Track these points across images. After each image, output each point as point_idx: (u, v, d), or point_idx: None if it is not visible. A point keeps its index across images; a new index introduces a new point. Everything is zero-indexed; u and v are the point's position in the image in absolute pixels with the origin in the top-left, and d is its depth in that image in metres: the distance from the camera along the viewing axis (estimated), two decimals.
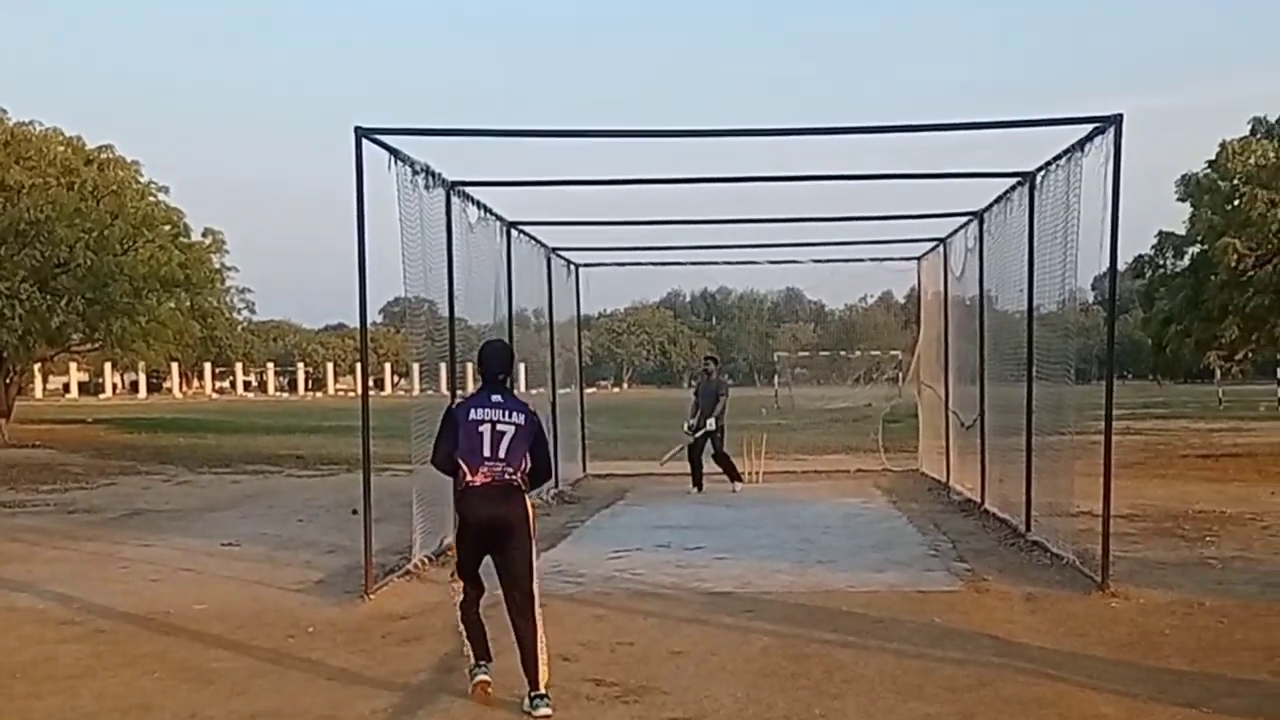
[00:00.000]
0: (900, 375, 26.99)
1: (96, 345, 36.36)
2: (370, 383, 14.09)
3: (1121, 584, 10.48)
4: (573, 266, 21.40)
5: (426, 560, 12.04)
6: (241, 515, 17.23)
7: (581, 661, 8.22)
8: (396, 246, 12.14)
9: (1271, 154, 22.82)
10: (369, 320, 12.02)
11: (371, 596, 10.52)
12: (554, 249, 19.58)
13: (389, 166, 11.40)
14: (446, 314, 13.83)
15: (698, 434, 20.03)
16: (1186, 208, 24.71)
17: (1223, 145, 23.70)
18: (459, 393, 14.50)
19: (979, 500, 16.06)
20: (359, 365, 11.75)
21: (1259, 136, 24.02)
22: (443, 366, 15.17)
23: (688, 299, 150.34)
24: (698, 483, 20.05)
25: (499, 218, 15.85)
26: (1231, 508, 16.02)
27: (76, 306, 29.93)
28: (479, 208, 14.73)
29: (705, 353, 26.80)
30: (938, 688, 7.42)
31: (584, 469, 22.35)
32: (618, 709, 7.05)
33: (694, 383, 22.48)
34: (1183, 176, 24.59)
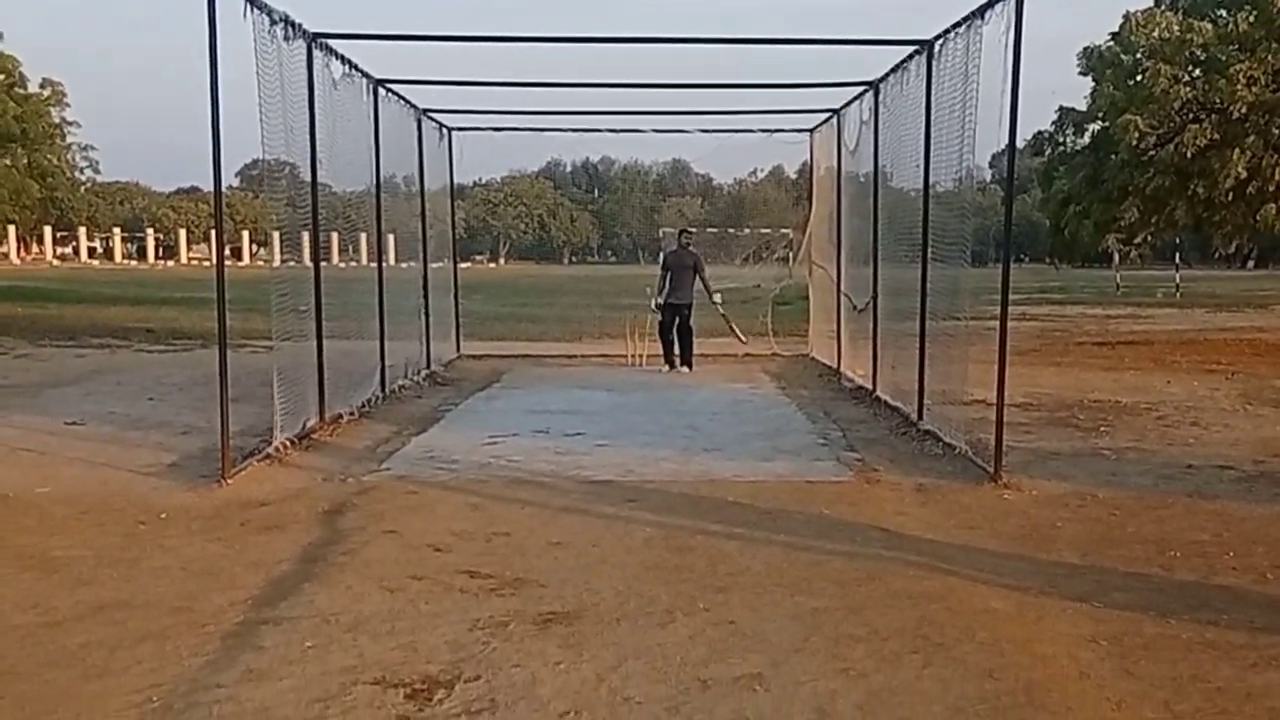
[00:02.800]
0: (791, 255, 27.04)
1: None
2: (227, 251, 13.83)
3: (1014, 475, 10.74)
4: (445, 130, 21.06)
5: (289, 443, 11.92)
6: (86, 392, 16.87)
7: (455, 552, 8.22)
8: (253, 105, 11.86)
9: (1176, 27, 23.02)
10: (224, 184, 11.74)
11: (229, 481, 10.39)
12: (425, 110, 19.22)
13: (244, 14, 11.02)
14: (305, 178, 13.57)
15: (687, 312, 20.50)
16: (1088, 82, 24.93)
17: (1126, 16, 23.80)
18: (324, 263, 14.33)
19: (871, 387, 16.29)
20: (214, 232, 11.42)
21: (1163, 8, 24.16)
22: (305, 235, 14.92)
23: (569, 170, 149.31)
24: (669, 361, 20.38)
25: (366, 75, 15.50)
26: (1127, 397, 16.45)
27: None
28: (344, 63, 14.37)
29: (674, 227, 27.02)
30: (826, 581, 7.55)
31: (458, 349, 22.21)
32: (493, 602, 7.07)
33: (661, 255, 22.54)
34: (1085, 49, 24.77)
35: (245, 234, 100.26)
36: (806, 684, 5.78)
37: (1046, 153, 26.91)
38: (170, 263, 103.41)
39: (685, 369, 20.01)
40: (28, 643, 6.35)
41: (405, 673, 5.90)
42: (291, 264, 14.01)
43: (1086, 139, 25.88)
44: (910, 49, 14.17)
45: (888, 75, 15.72)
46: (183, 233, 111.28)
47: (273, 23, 11.72)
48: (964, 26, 12.00)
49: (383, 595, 7.20)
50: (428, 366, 18.99)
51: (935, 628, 6.61)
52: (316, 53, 13.22)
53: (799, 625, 6.66)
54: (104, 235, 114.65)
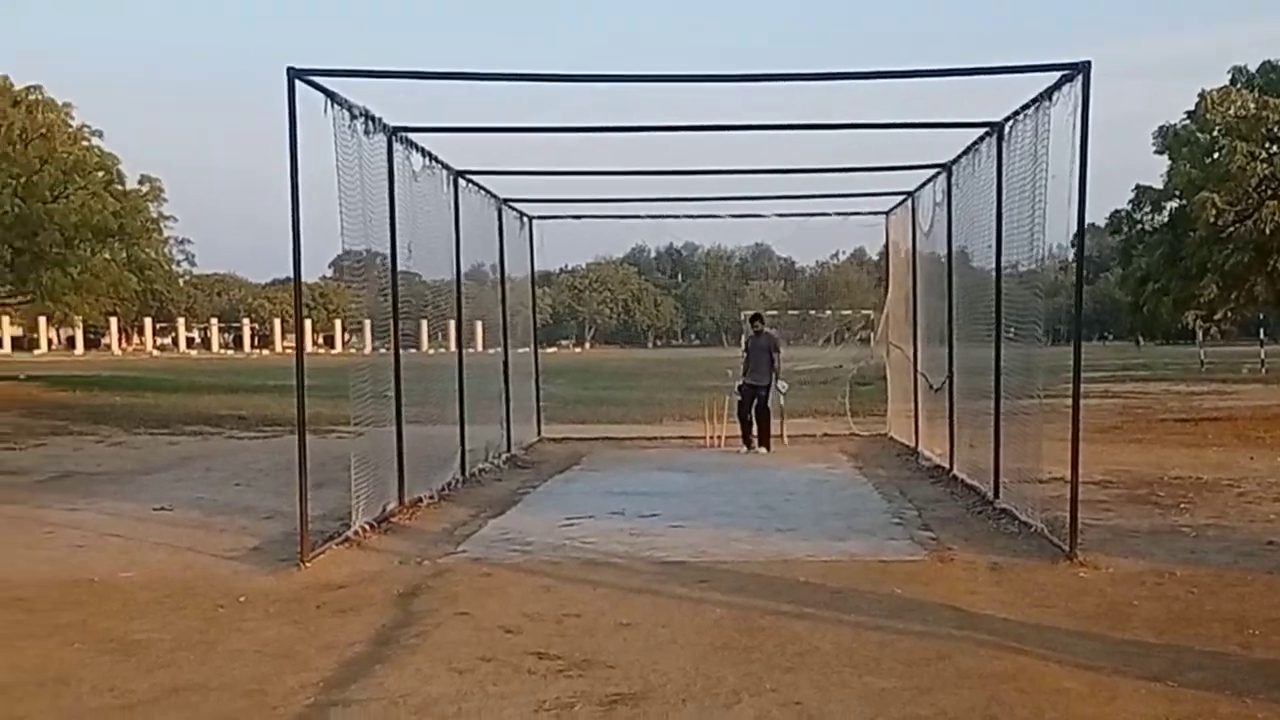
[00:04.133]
0: (871, 335, 26.94)
1: (27, 298, 35.91)
2: (320, 339, 14.09)
3: (1091, 553, 10.54)
4: (526, 219, 21.26)
5: (367, 527, 11.98)
6: (176, 478, 17.12)
7: (525, 634, 8.19)
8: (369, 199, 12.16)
9: (1252, 104, 22.85)
10: (317, 275, 12.11)
11: (307, 565, 10.46)
12: (505, 200, 19.43)
13: (325, 110, 11.24)
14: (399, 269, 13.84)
15: (770, 396, 20.47)
16: (1164, 160, 24.73)
17: (1202, 95, 23.65)
18: (413, 350, 14.52)
19: (948, 466, 16.11)
20: (304, 322, 11.59)
21: (1239, 86, 23.98)
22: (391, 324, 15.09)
23: (653, 255, 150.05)
24: (747, 441, 20.36)
25: (445, 166, 15.71)
26: (1208, 474, 16.13)
27: (3, 256, 29.54)
28: (424, 155, 14.59)
29: (756, 310, 27.28)
30: (895, 661, 7.43)
31: (539, 432, 22.29)
32: (560, 683, 7.02)
33: (742, 340, 22.55)
34: (1160, 128, 24.62)
35: (338, 322, 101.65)
36: None
37: (1124, 231, 26.64)
38: (265, 351, 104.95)
39: (763, 449, 19.91)
40: None
41: None
42: (382, 351, 14.21)
43: (1164, 216, 25.59)
44: (981, 131, 14.14)
45: (960, 157, 15.69)
46: (277, 322, 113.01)
47: (353, 117, 11.93)
48: (1033, 108, 11.96)
49: (451, 677, 7.18)
50: (508, 450, 19.05)
51: (1004, 708, 6.47)
52: (396, 146, 13.41)
53: (865, 706, 6.55)
54: (202, 326, 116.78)
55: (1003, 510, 12.69)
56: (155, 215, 37.05)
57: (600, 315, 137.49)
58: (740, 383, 20.58)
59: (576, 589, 9.61)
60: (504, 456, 18.60)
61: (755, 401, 20.21)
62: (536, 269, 22.49)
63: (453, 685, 7.02)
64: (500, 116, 14.81)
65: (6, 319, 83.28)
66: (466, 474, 16.27)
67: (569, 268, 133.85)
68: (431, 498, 14.24)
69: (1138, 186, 25.87)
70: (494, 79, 12.88)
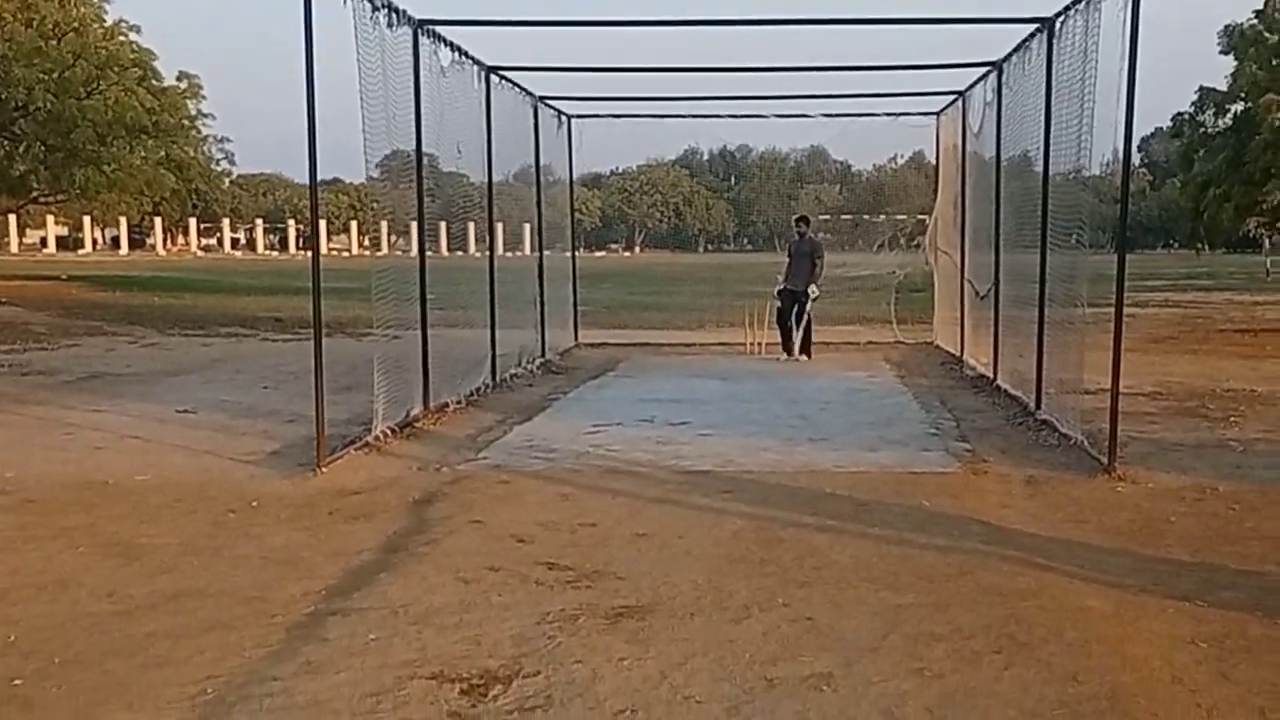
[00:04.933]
0: (920, 240, 26.57)
1: (63, 197, 35.98)
2: (365, 241, 14.11)
3: (1131, 467, 10.35)
4: (564, 118, 20.98)
5: (389, 432, 11.94)
6: (205, 380, 17.15)
7: (537, 543, 8.11)
8: (388, 98, 12.05)
9: None
10: (363, 175, 12.10)
11: (324, 470, 10.41)
12: (541, 97, 19.14)
13: (344, 1, 11.03)
14: (444, 169, 13.88)
15: (804, 300, 20.11)
16: (1230, 61, 24.10)
17: None
18: (453, 254, 14.47)
19: (991, 376, 15.89)
20: (319, 221, 11.49)
21: None
22: (442, 226, 15.13)
23: (705, 158, 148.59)
24: (787, 348, 20.10)
25: (476, 61, 15.46)
26: (1263, 387, 15.83)
27: (37, 153, 29.51)
28: (453, 50, 14.34)
29: (811, 214, 26.44)
30: (914, 576, 7.29)
31: (575, 337, 22.19)
32: (567, 595, 6.93)
33: (784, 245, 22.05)
34: (1226, 27, 23.97)
35: (384, 224, 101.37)
36: (877, 684, 5.55)
37: (1186, 134, 26.06)
38: (310, 252, 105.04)
39: (804, 357, 19.70)
40: (95, 631, 6.36)
41: (464, 667, 5.79)
42: (429, 254, 14.24)
43: (1228, 120, 24.98)
44: (1032, 27, 13.75)
45: (1010, 55, 15.31)
46: (323, 223, 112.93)
47: (375, 9, 11.70)
48: (1083, 2, 11.59)
49: (456, 586, 7.11)
50: (543, 355, 18.96)
51: (1023, 626, 6.33)
52: (423, 39, 13.19)
53: (879, 622, 6.42)
54: (247, 227, 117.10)
55: (1044, 422, 12.49)
56: (193, 113, 36.88)
57: (650, 219, 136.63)
58: (780, 288, 20.31)
59: (595, 498, 9.52)
60: (538, 362, 18.51)
61: (795, 308, 19.95)
62: (581, 170, 22.33)
63: (457, 595, 6.94)
64: (535, 10, 14.58)
65: (51, 218, 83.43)
66: (497, 379, 16.20)
67: (619, 170, 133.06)
68: (459, 403, 14.17)
69: (1201, 88, 25.27)
70: None
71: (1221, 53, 24.15)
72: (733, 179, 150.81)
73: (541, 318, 19.11)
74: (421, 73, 13.17)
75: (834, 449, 11.54)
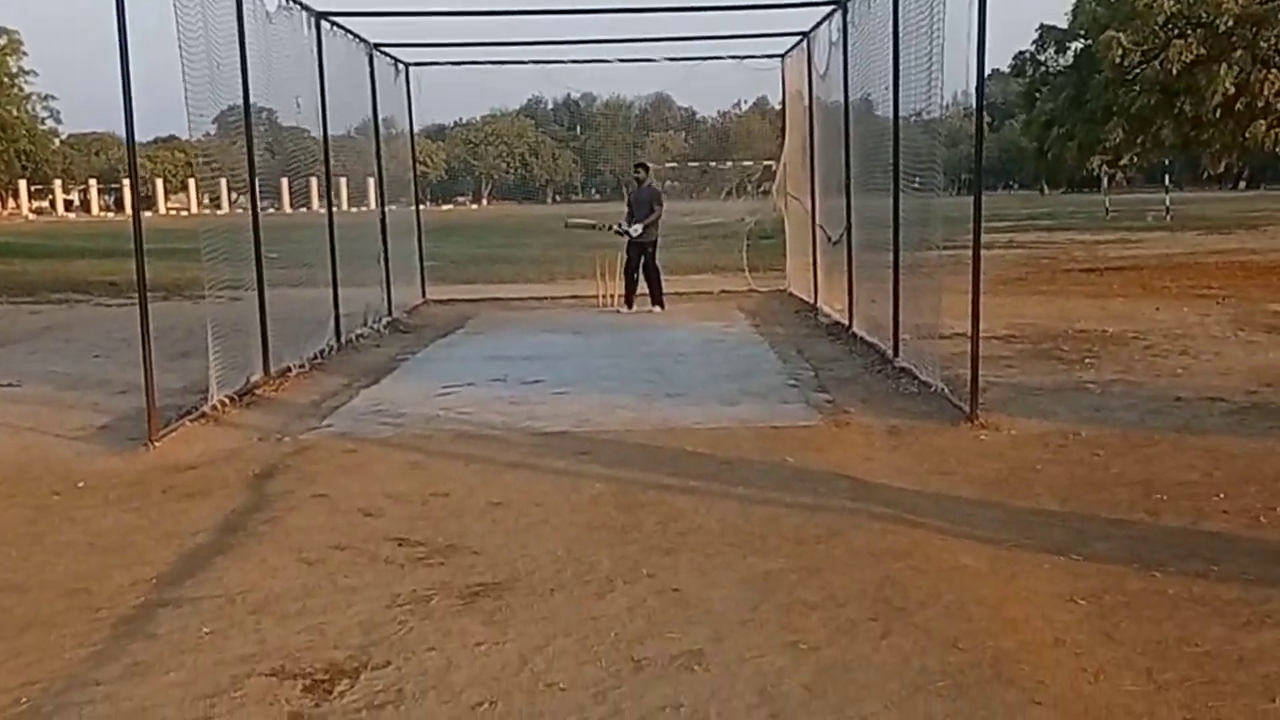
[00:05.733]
0: (769, 186, 26.38)
1: None
2: (205, 199, 13.60)
3: (993, 413, 10.19)
4: (401, 66, 20.30)
5: (227, 400, 11.35)
6: (31, 350, 16.29)
7: (386, 517, 7.66)
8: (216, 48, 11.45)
9: None
10: (201, 132, 11.50)
11: (156, 444, 9.80)
12: (376, 45, 18.44)
13: None
14: (284, 124, 13.45)
15: (620, 234, 19.77)
16: None
17: None
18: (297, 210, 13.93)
19: (847, 323, 15.71)
20: (138, 180, 10.83)
21: None
22: (284, 182, 14.62)
23: (550, 107, 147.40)
24: (628, 301, 19.69)
25: (305, 7, 14.77)
26: (1114, 326, 15.88)
27: None
28: None
29: (656, 163, 25.46)
30: (782, 539, 6.99)
31: (423, 294, 21.60)
32: (419, 573, 6.50)
33: (625, 191, 21.42)
34: None
35: (223, 182, 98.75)
36: (751, 661, 5.22)
37: (1028, 74, 26.19)
38: (148, 214, 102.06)
39: (656, 308, 19.36)
40: None
41: (307, 661, 5.34)
42: (271, 211, 13.75)
43: (1069, 58, 25.14)
44: None
45: None
46: (159, 182, 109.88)
47: None
48: None
49: (299, 569, 6.64)
50: (389, 314, 18.39)
51: (898, 589, 6.06)
52: None
53: (749, 591, 6.10)
54: (81, 188, 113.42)
55: (902, 369, 12.31)
56: (14, 70, 35.28)
57: (497, 170, 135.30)
58: (619, 226, 19.88)
59: (447, 464, 9.08)
60: (384, 321, 17.93)
61: (641, 258, 19.58)
62: (424, 122, 21.77)
63: (299, 578, 6.47)
64: None
65: None
66: (342, 340, 15.63)
67: (463, 121, 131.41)
68: (302, 367, 13.60)
69: (1041, 26, 25.39)
70: None
71: None
72: (578, 128, 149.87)
73: (386, 275, 18.51)
74: (246, 21, 12.48)
75: (692, 404, 11.21)
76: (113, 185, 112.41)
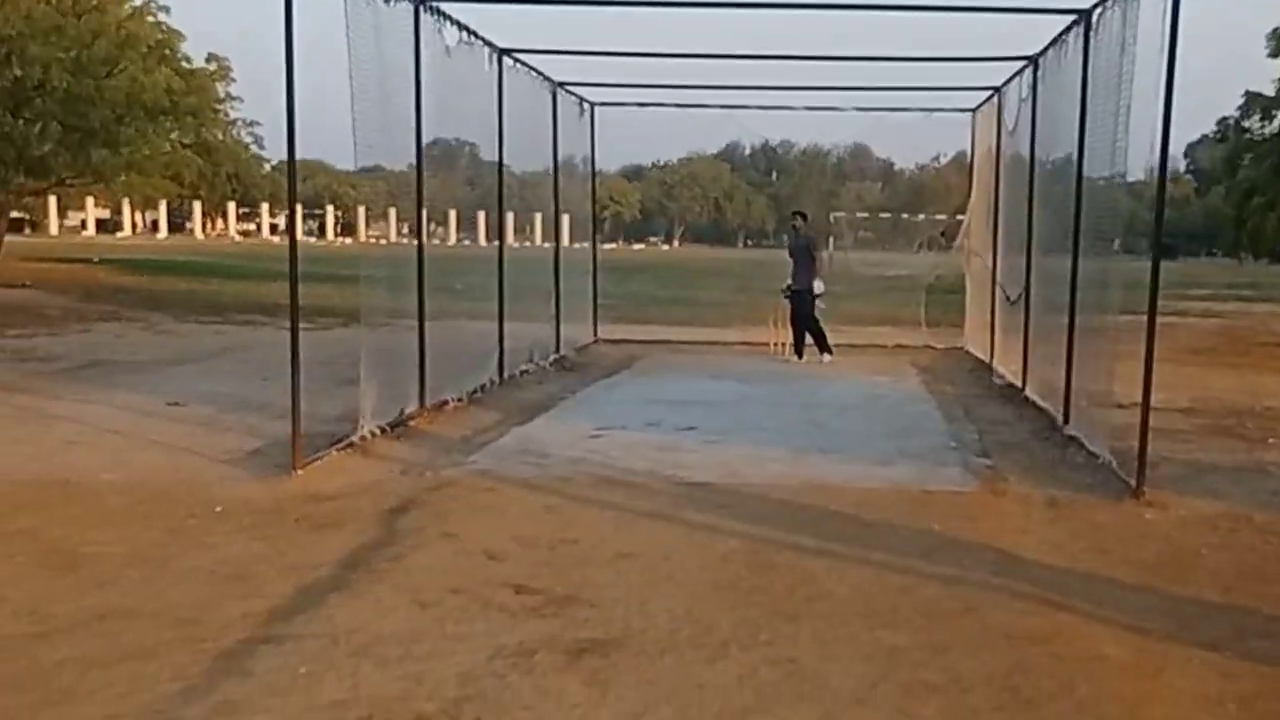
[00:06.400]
0: (955, 242, 25.78)
1: (84, 179, 35.43)
2: (405, 229, 13.86)
3: (1161, 491, 9.62)
4: (586, 105, 20.32)
5: (378, 431, 11.33)
6: (206, 370, 16.64)
7: (510, 561, 7.47)
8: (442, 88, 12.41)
9: None
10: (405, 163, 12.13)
11: (300, 472, 9.80)
12: (560, 84, 18.47)
13: None
14: (486, 159, 14.75)
15: (807, 297, 19.42)
16: (1277, 66, 23.23)
17: None
18: (441, 241, 13.95)
19: (1021, 385, 15.15)
20: (297, 206, 10.97)
21: None
22: (481, 215, 14.84)
23: (747, 152, 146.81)
24: (797, 350, 19.41)
25: (488, 43, 14.81)
26: None
27: (53, 134, 28.93)
28: (460, 29, 13.69)
29: (792, 209, 25.14)
30: (914, 612, 6.62)
31: (595, 333, 21.53)
32: (530, 625, 6.29)
33: (785, 240, 21.14)
34: (1275, 30, 23.06)
35: (424, 212, 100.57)
36: None
37: (1231, 140, 25.21)
38: (348, 240, 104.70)
39: (826, 357, 18.98)
40: (2, 657, 5.75)
41: (397, 712, 5.15)
42: (466, 242, 13.95)
43: (1275, 126, 24.12)
44: (1069, 19, 13.01)
45: (1046, 49, 14.58)
46: (361, 210, 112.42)
47: None
48: None
49: (410, 611, 6.48)
50: (557, 351, 18.33)
51: (1029, 678, 5.65)
52: (425, 16, 12.55)
53: (869, 667, 5.76)
54: (287, 213, 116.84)
55: (1071, 438, 11.76)
56: (222, 95, 36.35)
57: (690, 212, 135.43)
58: (788, 287, 19.60)
59: (582, 510, 8.88)
60: (551, 358, 17.88)
61: (804, 308, 19.25)
62: (622, 162, 22.09)
63: (408, 621, 6.31)
64: None
65: (91, 200, 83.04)
66: (505, 376, 15.59)
67: (660, 163, 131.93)
68: (460, 400, 13.57)
69: (1247, 93, 24.41)
70: None
71: (1269, 56, 23.26)
72: (774, 174, 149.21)
73: (557, 311, 18.48)
74: (425, 55, 12.55)
75: (846, 461, 10.85)
76: (316, 211, 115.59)
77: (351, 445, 10.85)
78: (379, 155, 12.24)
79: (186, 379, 15.59)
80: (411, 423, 12.17)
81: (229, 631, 6.15)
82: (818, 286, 19.21)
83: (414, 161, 12.59)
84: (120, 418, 12.50)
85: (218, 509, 8.74)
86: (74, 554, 7.55)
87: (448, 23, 13.22)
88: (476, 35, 14.24)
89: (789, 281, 19.47)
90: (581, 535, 8.12)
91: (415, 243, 13.06)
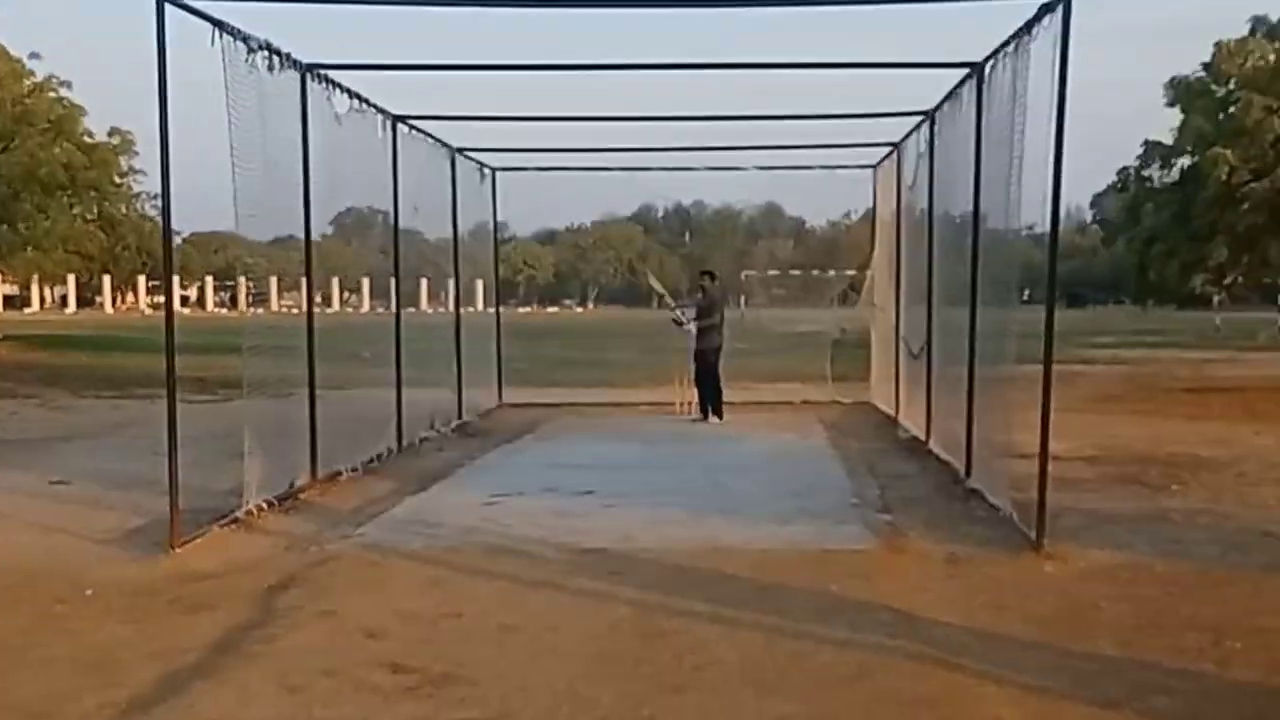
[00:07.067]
0: (855, 296, 25.80)
1: None
2: (318, 297, 13.70)
3: (1062, 543, 9.46)
4: (486, 170, 20.10)
5: (266, 505, 10.96)
6: (96, 447, 16.17)
7: (389, 639, 7.15)
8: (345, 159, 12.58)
9: (1272, 55, 21.68)
10: (319, 232, 11.74)
11: (178, 550, 9.42)
12: (459, 149, 18.25)
13: (212, 41, 10.12)
14: (391, 226, 15.10)
15: (676, 324, 19.69)
16: (1177, 114, 23.50)
17: (1218, 45, 22.50)
18: (354, 309, 13.65)
19: (925, 438, 15.03)
20: (172, 278, 10.65)
21: (1259, 36, 22.83)
22: (391, 282, 14.79)
23: (660, 214, 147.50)
24: (705, 412, 19.17)
25: (380, 110, 14.56)
26: (1208, 451, 14.98)
27: None
28: (352, 97, 13.45)
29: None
30: (805, 679, 6.37)
31: (499, 398, 21.22)
32: (403, 706, 5.97)
33: (693, 298, 20.83)
34: (1172, 79, 23.39)
35: (335, 280, 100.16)
36: None
37: (1132, 189, 25.44)
38: (260, 310, 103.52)
39: (714, 419, 18.82)
40: None
41: None
42: (380, 311, 13.86)
43: (1174, 175, 24.36)
44: (963, 73, 12.99)
45: (941, 104, 14.57)
46: (274, 280, 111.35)
47: (250, 51, 10.79)
48: (1012, 46, 10.85)
49: (277, 697, 6.14)
50: (459, 417, 18.00)
51: None
52: (312, 84, 12.30)
53: None
54: (198, 284, 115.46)
55: (973, 490, 11.61)
56: (125, 169, 35.81)
57: (604, 274, 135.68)
58: (679, 318, 19.59)
59: (469, 582, 8.56)
60: (453, 424, 17.54)
61: (703, 367, 19.10)
62: (537, 226, 21.98)
63: (274, 709, 5.98)
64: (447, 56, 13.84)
65: None
66: (404, 443, 15.24)
67: (574, 226, 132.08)
68: (355, 470, 13.22)
69: (1146, 142, 24.69)
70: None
71: (1168, 104, 23.58)
72: (687, 235, 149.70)
73: (459, 377, 18.16)
74: (313, 124, 12.32)
75: (745, 522, 10.61)
76: (227, 283, 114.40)
77: (236, 520, 10.48)
78: (278, 225, 12.21)
79: (74, 456, 15.11)
80: (302, 495, 11.81)
81: None
82: (689, 325, 19.30)
83: (327, 231, 12.33)
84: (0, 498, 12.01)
85: (88, 592, 8.35)
86: None
87: (337, 90, 12.96)
88: (368, 102, 13.98)
89: (681, 316, 19.41)
90: (465, 608, 7.82)
91: (308, 311, 12.75)
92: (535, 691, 6.17)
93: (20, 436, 17.42)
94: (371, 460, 13.87)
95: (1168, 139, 24.56)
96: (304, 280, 12.99)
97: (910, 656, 6.73)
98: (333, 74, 12.78)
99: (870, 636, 7.13)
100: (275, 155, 11.35)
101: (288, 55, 11.52)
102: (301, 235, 12.72)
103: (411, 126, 15.87)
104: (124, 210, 37.50)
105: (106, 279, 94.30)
